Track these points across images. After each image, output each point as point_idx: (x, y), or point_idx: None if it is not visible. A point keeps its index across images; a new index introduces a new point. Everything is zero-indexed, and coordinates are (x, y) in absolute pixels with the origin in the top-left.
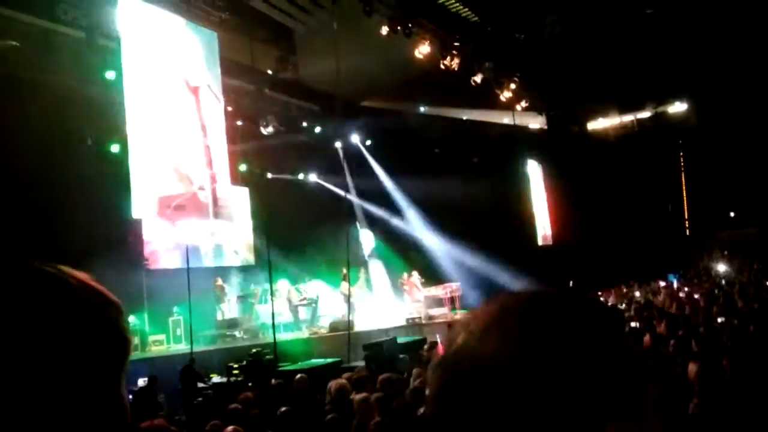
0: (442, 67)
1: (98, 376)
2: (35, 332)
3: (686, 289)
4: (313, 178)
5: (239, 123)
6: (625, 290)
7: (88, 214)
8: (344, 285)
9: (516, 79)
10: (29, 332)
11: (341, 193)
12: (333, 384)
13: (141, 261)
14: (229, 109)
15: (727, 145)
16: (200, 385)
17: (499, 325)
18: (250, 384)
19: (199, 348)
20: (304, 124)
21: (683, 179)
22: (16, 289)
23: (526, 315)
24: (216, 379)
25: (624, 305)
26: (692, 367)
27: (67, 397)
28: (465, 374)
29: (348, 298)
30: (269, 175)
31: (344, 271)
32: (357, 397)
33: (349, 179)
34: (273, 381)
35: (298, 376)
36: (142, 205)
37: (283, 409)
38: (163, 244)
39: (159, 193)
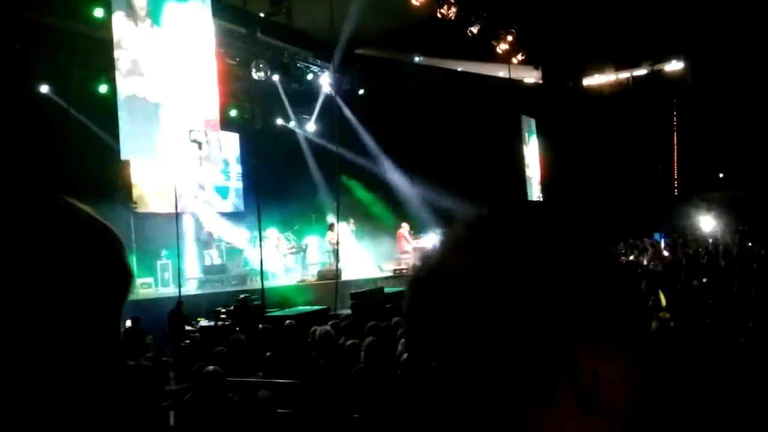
0: (439, 16)
1: (101, 309)
2: (44, 260)
3: (670, 248)
4: (303, 125)
5: (230, 67)
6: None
7: (75, 156)
8: (331, 234)
9: (513, 31)
10: (37, 260)
11: (332, 141)
12: (318, 330)
13: (129, 204)
14: (220, 51)
15: (720, 106)
16: (188, 328)
17: (468, 241)
18: (237, 328)
19: (186, 292)
20: (297, 70)
21: (675, 138)
22: (27, 217)
23: (495, 229)
24: (203, 322)
25: None
26: (654, 324)
27: (70, 325)
28: (434, 291)
29: (335, 247)
30: (260, 122)
31: (332, 220)
32: (347, 343)
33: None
34: (260, 326)
35: (288, 321)
36: (130, 147)
37: (269, 353)
38: (151, 187)
39: (148, 136)
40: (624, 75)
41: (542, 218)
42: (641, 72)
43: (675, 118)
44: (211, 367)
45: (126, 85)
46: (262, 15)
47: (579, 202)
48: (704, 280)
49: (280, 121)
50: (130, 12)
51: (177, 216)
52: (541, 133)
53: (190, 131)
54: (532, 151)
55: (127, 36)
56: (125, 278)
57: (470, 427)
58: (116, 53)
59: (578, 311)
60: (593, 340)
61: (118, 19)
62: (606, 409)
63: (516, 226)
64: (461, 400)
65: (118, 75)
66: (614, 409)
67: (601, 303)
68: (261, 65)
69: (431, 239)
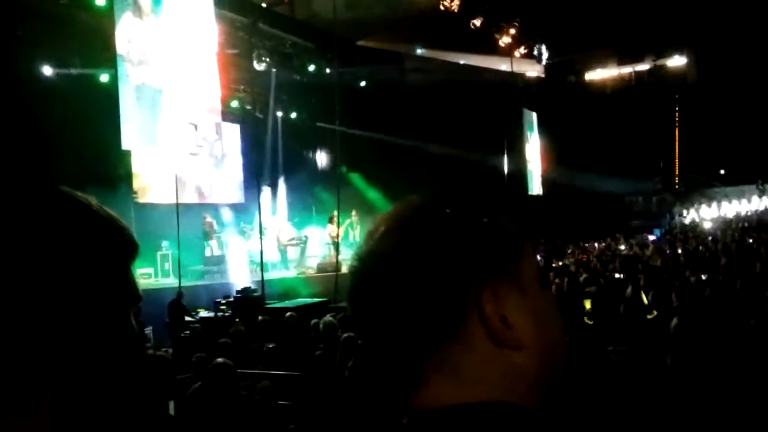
0: (442, 8)
1: (110, 308)
2: (59, 252)
3: (670, 244)
4: (304, 117)
5: (231, 57)
6: (611, 244)
7: (76, 145)
8: (331, 227)
9: (516, 24)
10: (53, 251)
11: (332, 133)
12: (322, 321)
13: (130, 194)
14: (222, 41)
15: (723, 102)
16: (187, 318)
17: (391, 224)
18: (237, 320)
19: (186, 283)
20: (298, 61)
21: (677, 134)
22: (40, 210)
23: (412, 215)
24: (203, 313)
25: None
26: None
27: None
28: (366, 271)
29: (335, 239)
30: (262, 114)
31: (334, 213)
32: (344, 335)
33: (341, 120)
34: (260, 317)
35: (288, 313)
36: (131, 137)
37: (271, 345)
38: (152, 177)
39: (150, 126)
40: (626, 70)
41: (449, 201)
42: (644, 67)
43: (677, 114)
44: (220, 360)
45: (128, 74)
46: (263, 5)
47: (580, 197)
48: (703, 276)
49: (281, 113)
50: (135, 4)
51: (177, 207)
52: (542, 128)
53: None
54: (533, 146)
55: (131, 26)
56: (133, 289)
57: (409, 376)
58: (119, 43)
59: (472, 264)
60: (498, 289)
61: (122, 10)
62: (518, 345)
63: (425, 209)
64: (395, 354)
65: (120, 64)
66: (526, 345)
67: (490, 256)
68: (262, 56)
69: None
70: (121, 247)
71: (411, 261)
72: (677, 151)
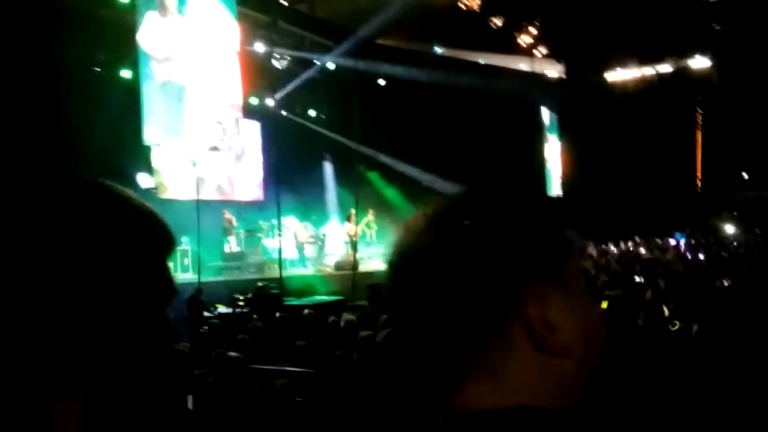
0: (462, 7)
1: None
2: (103, 249)
3: (691, 248)
4: (323, 115)
5: (252, 55)
6: (631, 246)
7: (97, 140)
8: (349, 225)
9: (537, 23)
10: (97, 249)
11: (351, 132)
12: (342, 319)
13: (150, 189)
14: (243, 39)
15: (746, 104)
16: (206, 314)
17: (432, 220)
18: (255, 316)
19: (205, 279)
20: (318, 59)
21: (699, 137)
22: (83, 204)
23: (453, 209)
24: (222, 309)
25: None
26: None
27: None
28: (405, 267)
29: (353, 238)
30: (282, 112)
31: (352, 211)
32: (363, 334)
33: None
34: (278, 314)
35: (306, 311)
36: (154, 132)
37: (300, 342)
38: (173, 174)
39: (173, 122)
40: (648, 71)
41: (491, 198)
42: (666, 68)
43: (699, 116)
44: (233, 354)
45: (153, 71)
46: (284, 3)
47: (599, 199)
48: (725, 283)
49: (300, 110)
50: (161, 3)
51: (198, 202)
52: (562, 128)
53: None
54: (552, 146)
55: (156, 25)
56: (170, 284)
57: (448, 377)
58: (144, 40)
59: (519, 265)
60: (541, 291)
61: (147, 8)
62: (561, 349)
63: (468, 205)
64: (436, 354)
65: (145, 61)
66: (569, 349)
67: (537, 256)
68: (283, 53)
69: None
70: (159, 241)
71: (454, 257)
72: (699, 153)
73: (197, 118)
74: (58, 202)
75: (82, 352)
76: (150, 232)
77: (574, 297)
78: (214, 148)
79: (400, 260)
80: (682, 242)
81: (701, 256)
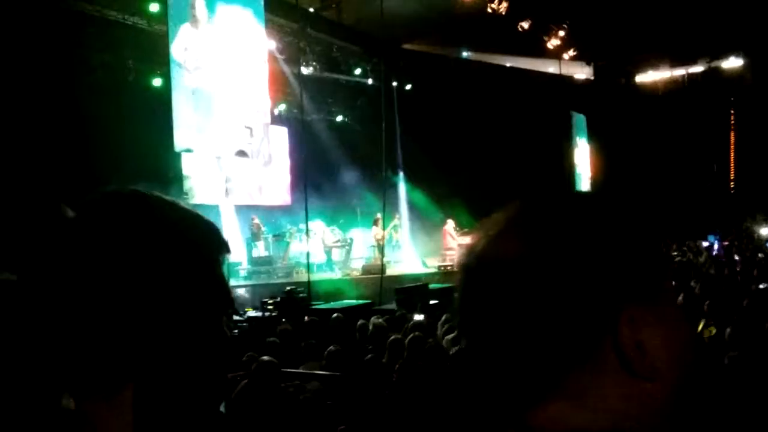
0: (489, 11)
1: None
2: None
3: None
4: (350, 119)
5: (280, 62)
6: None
7: (130, 148)
8: (375, 229)
9: (565, 26)
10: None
11: (379, 136)
12: (371, 323)
13: (181, 195)
14: (271, 46)
15: None
16: (236, 318)
17: (516, 223)
18: (284, 319)
19: (234, 283)
20: (345, 65)
21: (732, 138)
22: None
23: (538, 214)
24: (251, 313)
25: None
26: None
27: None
28: (485, 275)
29: (380, 242)
30: (309, 117)
31: (378, 215)
32: (391, 337)
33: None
34: (306, 318)
35: (335, 314)
36: (185, 139)
37: (332, 347)
38: (203, 179)
39: (204, 129)
40: (679, 72)
41: (581, 202)
42: (698, 69)
43: (732, 117)
44: (266, 357)
45: (184, 80)
46: (312, 10)
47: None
48: (761, 286)
49: (327, 116)
50: (192, 15)
51: (226, 208)
52: (591, 131)
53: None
54: (582, 149)
55: (188, 35)
56: (223, 247)
57: (528, 394)
58: (176, 51)
59: (613, 284)
60: (634, 313)
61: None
62: (652, 373)
63: (557, 210)
64: (517, 371)
65: (176, 70)
66: (660, 373)
67: (634, 275)
68: (310, 60)
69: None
70: (207, 245)
71: (546, 272)
72: (732, 154)
73: (226, 123)
74: (110, 213)
75: (128, 354)
76: (203, 240)
77: (667, 318)
78: (242, 153)
79: (480, 268)
80: (716, 245)
81: (736, 257)
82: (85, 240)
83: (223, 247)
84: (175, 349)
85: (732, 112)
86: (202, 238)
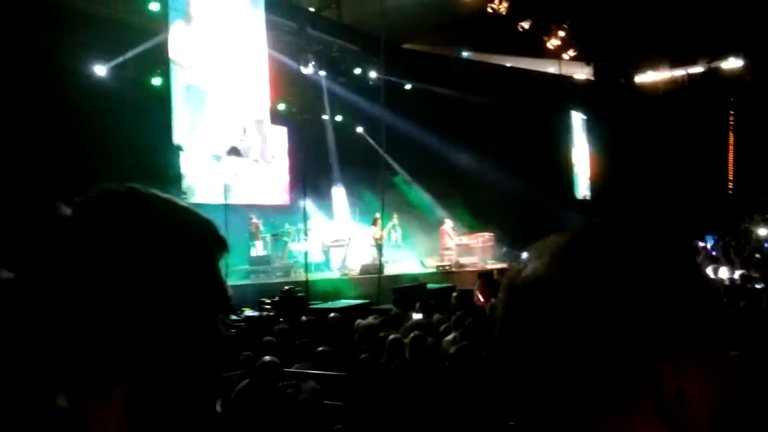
0: (489, 10)
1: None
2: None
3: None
4: (350, 119)
5: (279, 61)
6: None
7: (128, 146)
8: (374, 229)
9: (565, 26)
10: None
11: (378, 136)
12: (361, 323)
13: (180, 194)
14: (270, 46)
15: None
16: (233, 317)
17: (569, 252)
18: (281, 319)
19: (232, 282)
20: (345, 65)
21: (731, 138)
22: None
23: (595, 243)
24: (248, 312)
25: None
26: None
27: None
28: (530, 297)
29: (379, 241)
30: (308, 116)
31: (377, 215)
32: (390, 337)
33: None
34: (303, 317)
35: (332, 314)
36: (182, 139)
37: (321, 348)
38: (201, 178)
39: (202, 130)
40: (679, 72)
41: (635, 236)
42: (697, 69)
43: (732, 118)
44: (267, 357)
45: (178, 77)
46: (311, 9)
47: (628, 201)
48: (758, 286)
49: (327, 116)
50: (187, 12)
51: (225, 207)
52: (591, 131)
53: (238, 124)
54: (581, 148)
55: (182, 32)
56: (221, 245)
57: (563, 423)
58: (171, 47)
59: (664, 329)
60: (678, 359)
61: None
62: (688, 425)
63: (611, 243)
64: (549, 402)
65: (171, 67)
66: (697, 427)
67: (687, 323)
68: (310, 59)
69: (474, 238)
70: (204, 243)
71: (591, 308)
72: (731, 155)
73: (218, 120)
74: (104, 211)
75: (123, 354)
76: (200, 237)
77: (715, 374)
78: (234, 150)
79: (526, 291)
80: (709, 245)
81: (733, 257)
82: (80, 238)
83: (221, 246)
84: (169, 348)
85: (731, 112)
86: (199, 236)
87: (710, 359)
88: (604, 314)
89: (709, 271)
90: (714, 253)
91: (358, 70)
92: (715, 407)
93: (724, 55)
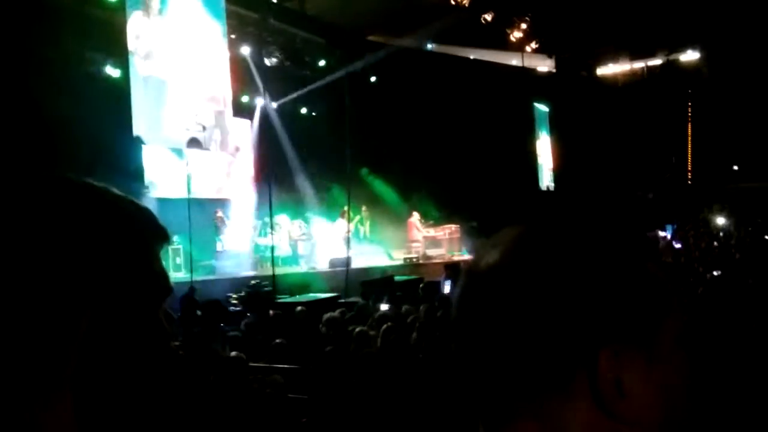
0: (453, 2)
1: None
2: (84, 250)
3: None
4: (315, 112)
5: (242, 53)
6: None
7: (87, 140)
8: (341, 222)
9: (527, 19)
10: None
11: (343, 129)
12: (327, 316)
13: (141, 189)
14: (233, 37)
15: (736, 97)
16: (199, 313)
17: (522, 242)
18: (248, 314)
19: (198, 277)
20: (309, 57)
21: (689, 130)
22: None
23: (545, 233)
24: None
25: None
26: None
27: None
28: (482, 283)
29: (346, 235)
30: (272, 109)
31: (344, 208)
32: (357, 329)
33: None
34: (271, 312)
35: (299, 308)
36: (142, 132)
37: (278, 340)
38: (163, 172)
39: (160, 122)
40: (638, 64)
41: (583, 229)
42: (656, 62)
43: (690, 109)
44: (234, 353)
45: (139, 68)
46: (274, 1)
47: (591, 192)
48: (715, 273)
49: (291, 108)
50: (145, 3)
51: (189, 201)
52: (553, 122)
53: (196, 115)
54: (543, 140)
55: (140, 23)
56: (159, 233)
57: (504, 407)
58: (128, 38)
59: (601, 317)
60: (617, 348)
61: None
62: (629, 418)
63: (560, 234)
64: (495, 383)
65: (131, 58)
66: (639, 419)
67: (627, 313)
68: (273, 51)
69: (440, 230)
70: (146, 235)
71: (531, 296)
72: (690, 146)
73: (178, 111)
74: (37, 201)
75: (65, 355)
76: (136, 227)
77: (661, 360)
78: (194, 141)
79: (480, 278)
80: (668, 234)
81: (691, 247)
82: (14, 227)
83: (160, 236)
84: (109, 344)
85: (689, 104)
86: (136, 226)
87: (656, 351)
88: (544, 301)
89: (669, 259)
90: (674, 243)
91: (322, 62)
92: (663, 400)
93: (682, 47)
